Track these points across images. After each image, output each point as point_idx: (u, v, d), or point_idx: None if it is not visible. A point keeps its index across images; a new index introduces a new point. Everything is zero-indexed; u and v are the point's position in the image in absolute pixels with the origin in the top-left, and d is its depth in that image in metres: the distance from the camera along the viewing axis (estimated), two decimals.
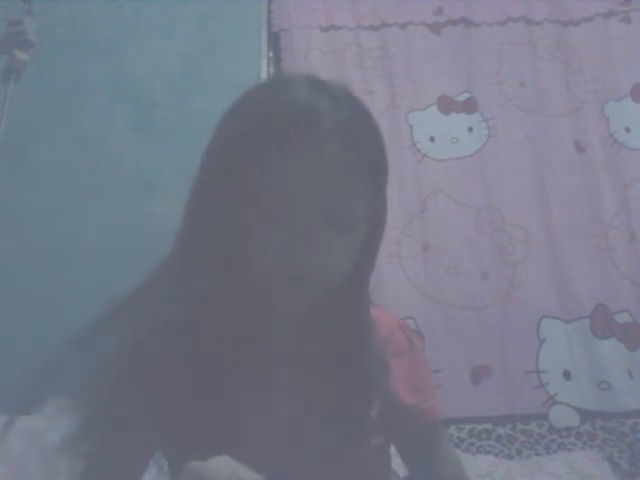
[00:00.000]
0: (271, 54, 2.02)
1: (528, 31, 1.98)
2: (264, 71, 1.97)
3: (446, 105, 1.93)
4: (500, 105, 1.91)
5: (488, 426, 1.60)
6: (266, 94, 0.54)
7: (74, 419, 0.56)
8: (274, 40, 2.02)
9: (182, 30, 2.02)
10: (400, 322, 0.71)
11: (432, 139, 1.90)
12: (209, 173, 0.55)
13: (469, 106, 1.92)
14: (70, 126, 1.89)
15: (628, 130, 1.87)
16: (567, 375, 1.64)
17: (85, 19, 2.03)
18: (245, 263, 0.54)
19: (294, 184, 0.49)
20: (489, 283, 1.73)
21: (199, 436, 0.53)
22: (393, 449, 0.68)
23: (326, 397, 0.58)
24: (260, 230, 0.51)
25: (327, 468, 0.57)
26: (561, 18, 2.00)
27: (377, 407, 0.60)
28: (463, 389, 1.62)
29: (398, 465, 0.69)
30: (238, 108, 0.54)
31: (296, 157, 0.49)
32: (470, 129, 1.91)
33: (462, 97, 1.94)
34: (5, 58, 1.93)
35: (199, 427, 0.54)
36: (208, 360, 0.56)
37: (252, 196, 0.50)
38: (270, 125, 0.49)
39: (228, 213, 0.52)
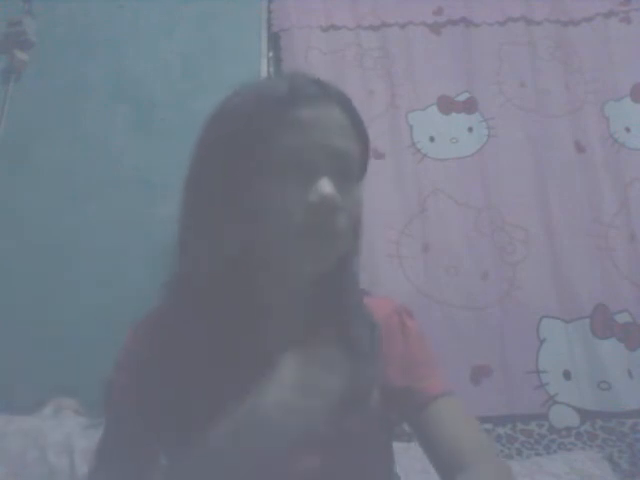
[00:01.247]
0: (271, 54, 2.02)
1: (528, 31, 1.98)
2: (264, 71, 1.96)
3: (446, 105, 1.93)
4: (500, 105, 1.91)
5: (488, 426, 1.60)
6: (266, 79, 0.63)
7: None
8: (274, 40, 2.02)
9: (182, 30, 2.02)
10: (398, 306, 0.70)
11: (432, 139, 1.90)
12: (210, 154, 0.60)
13: (469, 106, 1.92)
14: (70, 126, 1.89)
15: (628, 130, 1.87)
16: (567, 375, 1.64)
17: (85, 19, 2.03)
18: (252, 245, 0.56)
19: (306, 137, 0.56)
20: (489, 283, 1.73)
21: (197, 430, 0.54)
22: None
23: (323, 392, 0.58)
24: (277, 185, 0.55)
25: (325, 460, 0.57)
26: (561, 18, 2.00)
27: (374, 398, 0.61)
28: (463, 389, 1.62)
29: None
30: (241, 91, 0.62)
31: (307, 115, 0.56)
32: (470, 129, 1.91)
33: (462, 97, 1.94)
34: (5, 58, 1.93)
35: (197, 422, 0.55)
36: (206, 357, 0.56)
37: (266, 157, 0.55)
38: (282, 92, 0.57)
39: (235, 187, 0.56)
